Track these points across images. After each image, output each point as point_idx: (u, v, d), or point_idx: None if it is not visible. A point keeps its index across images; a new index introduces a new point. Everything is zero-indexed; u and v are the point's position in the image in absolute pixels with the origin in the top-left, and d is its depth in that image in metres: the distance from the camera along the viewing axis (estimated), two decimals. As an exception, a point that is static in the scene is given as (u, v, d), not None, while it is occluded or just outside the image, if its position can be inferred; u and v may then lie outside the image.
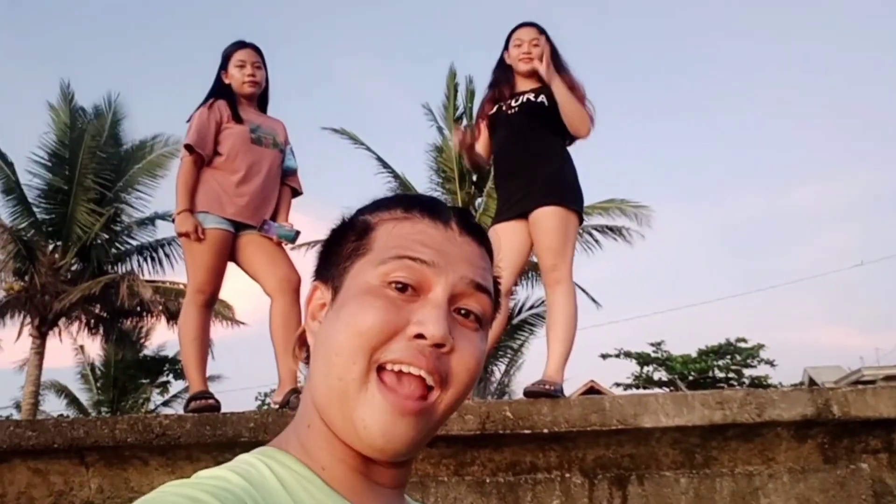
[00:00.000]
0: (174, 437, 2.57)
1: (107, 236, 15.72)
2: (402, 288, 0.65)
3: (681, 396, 2.48)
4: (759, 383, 19.47)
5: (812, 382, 20.92)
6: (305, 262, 13.74)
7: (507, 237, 3.03)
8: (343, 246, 0.72)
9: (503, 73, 3.32)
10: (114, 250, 16.00)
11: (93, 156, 14.96)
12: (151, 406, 22.28)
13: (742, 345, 19.85)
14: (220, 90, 3.32)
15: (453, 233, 0.70)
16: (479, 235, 0.72)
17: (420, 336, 0.63)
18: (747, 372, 19.88)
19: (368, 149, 15.22)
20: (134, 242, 16.30)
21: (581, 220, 3.09)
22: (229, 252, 3.18)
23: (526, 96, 3.19)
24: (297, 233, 3.25)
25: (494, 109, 3.25)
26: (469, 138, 3.24)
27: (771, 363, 19.78)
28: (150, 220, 16.28)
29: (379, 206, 0.73)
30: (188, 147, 3.17)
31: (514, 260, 3.03)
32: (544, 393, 2.53)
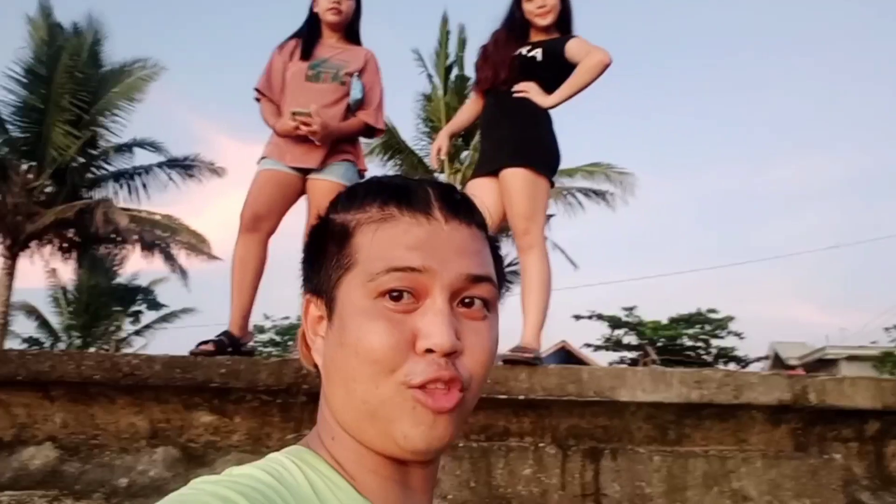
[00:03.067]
0: (142, 378, 2.51)
1: (83, 160, 15.36)
2: (398, 296, 0.62)
3: (659, 373, 2.47)
4: (725, 354, 19.83)
5: (777, 356, 21.39)
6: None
7: (481, 193, 2.97)
8: (325, 254, 0.67)
9: (518, 27, 3.15)
10: (90, 175, 15.67)
11: (70, 76, 14.45)
12: (123, 335, 22.20)
13: (712, 315, 20.11)
14: (308, 20, 3.28)
15: (438, 223, 0.64)
16: (468, 215, 0.67)
17: (430, 350, 0.60)
18: (715, 342, 20.20)
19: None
20: (111, 168, 15.96)
21: (552, 185, 3.01)
22: (294, 194, 3.10)
23: (523, 51, 3.07)
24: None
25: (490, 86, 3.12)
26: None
27: (739, 335, 20.08)
28: (127, 147, 15.91)
29: (353, 202, 0.68)
30: (259, 91, 3.20)
31: (491, 217, 2.97)
32: (523, 361, 2.50)
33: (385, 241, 0.63)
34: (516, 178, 2.88)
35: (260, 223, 3.02)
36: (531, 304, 2.83)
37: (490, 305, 0.66)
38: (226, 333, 2.90)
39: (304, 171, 3.08)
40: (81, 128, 14.73)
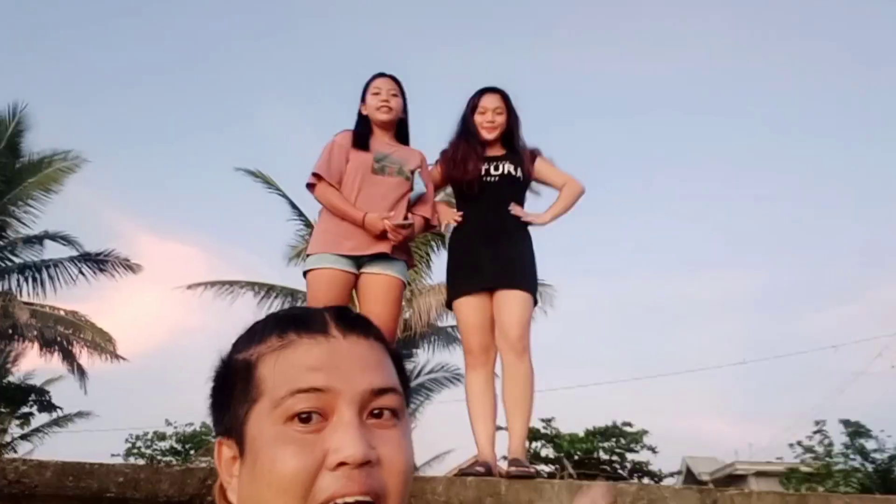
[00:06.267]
0: (30, 486, 2.32)
1: (-14, 250, 14.61)
2: (307, 418, 0.62)
3: (576, 486, 2.46)
4: (640, 468, 19.90)
5: (689, 471, 21.61)
6: (201, 301, 13.17)
7: (476, 313, 3.08)
8: (232, 394, 0.68)
9: (471, 138, 3.35)
10: (-8, 266, 14.86)
11: (-17, 164, 13.98)
12: (8, 438, 20.40)
13: (627, 429, 20.27)
14: (358, 121, 3.37)
15: (336, 340, 0.67)
16: (364, 329, 0.70)
17: (342, 463, 0.60)
18: (630, 456, 20.24)
19: (283, 195, 14.96)
20: (17, 260, 15.19)
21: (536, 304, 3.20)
22: (349, 292, 3.10)
23: (507, 167, 3.26)
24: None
25: (482, 173, 3.26)
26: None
27: (653, 449, 20.25)
28: (37, 239, 15.26)
29: (253, 338, 0.69)
30: (317, 175, 3.20)
31: (487, 334, 3.08)
32: (527, 476, 2.56)
33: (287, 365, 0.64)
34: (519, 298, 3.05)
35: None
36: (518, 413, 2.93)
37: (398, 414, 0.67)
38: None
39: (358, 265, 3.09)
40: (-12, 216, 14.10)
